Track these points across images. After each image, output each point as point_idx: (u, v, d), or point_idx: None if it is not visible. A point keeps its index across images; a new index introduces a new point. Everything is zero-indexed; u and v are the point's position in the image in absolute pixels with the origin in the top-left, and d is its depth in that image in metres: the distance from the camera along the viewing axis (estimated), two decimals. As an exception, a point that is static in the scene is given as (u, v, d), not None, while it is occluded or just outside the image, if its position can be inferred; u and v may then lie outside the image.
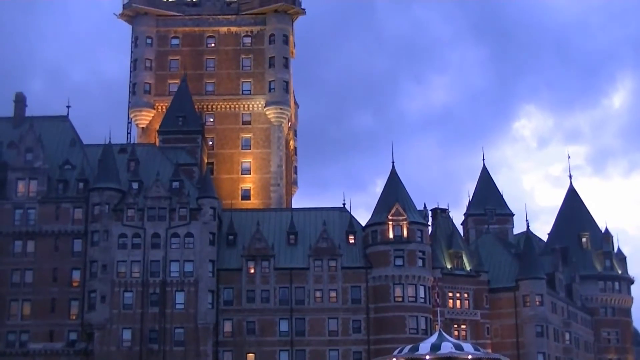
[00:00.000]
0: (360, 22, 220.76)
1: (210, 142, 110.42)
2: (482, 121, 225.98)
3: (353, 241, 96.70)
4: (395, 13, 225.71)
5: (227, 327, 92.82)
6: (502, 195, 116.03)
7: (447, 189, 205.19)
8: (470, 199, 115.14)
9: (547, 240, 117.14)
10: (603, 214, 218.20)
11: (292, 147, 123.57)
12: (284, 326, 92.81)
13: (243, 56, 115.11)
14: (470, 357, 70.85)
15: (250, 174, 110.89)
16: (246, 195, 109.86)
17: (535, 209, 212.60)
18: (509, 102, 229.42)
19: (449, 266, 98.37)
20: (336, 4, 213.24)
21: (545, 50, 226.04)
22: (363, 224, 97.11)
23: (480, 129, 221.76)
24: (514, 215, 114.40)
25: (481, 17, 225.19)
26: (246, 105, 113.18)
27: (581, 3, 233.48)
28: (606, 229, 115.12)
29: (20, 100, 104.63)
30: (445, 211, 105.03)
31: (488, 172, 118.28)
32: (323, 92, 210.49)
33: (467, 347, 72.91)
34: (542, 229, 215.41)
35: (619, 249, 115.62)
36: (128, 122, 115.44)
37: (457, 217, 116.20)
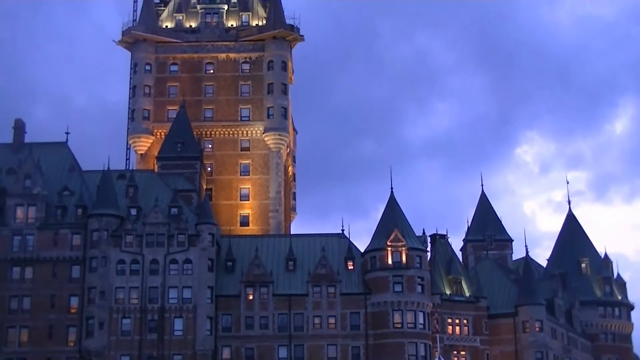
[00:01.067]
0: (363, 48, 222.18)
1: (209, 168, 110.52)
2: (483, 147, 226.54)
3: (352, 267, 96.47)
4: (397, 40, 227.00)
5: (226, 353, 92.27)
6: (501, 221, 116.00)
7: (448, 215, 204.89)
8: (469, 225, 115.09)
9: (547, 265, 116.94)
10: (604, 239, 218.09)
11: (290, 173, 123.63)
12: (282, 353, 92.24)
13: (242, 82, 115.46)
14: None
15: (248, 200, 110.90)
16: (245, 222, 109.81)
17: (536, 235, 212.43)
18: (511, 128, 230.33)
19: (448, 292, 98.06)
20: (339, 31, 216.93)
21: (547, 77, 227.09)
22: (364, 250, 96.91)
23: (481, 155, 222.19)
24: (512, 240, 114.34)
25: (483, 44, 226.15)
26: (245, 132, 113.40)
27: (582, 30, 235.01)
28: (605, 255, 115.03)
29: (19, 127, 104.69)
30: (444, 237, 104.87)
31: (487, 198, 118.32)
32: (325, 118, 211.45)
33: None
34: (544, 255, 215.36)
35: (618, 275, 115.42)
36: (127, 148, 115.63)
37: (457, 242, 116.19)
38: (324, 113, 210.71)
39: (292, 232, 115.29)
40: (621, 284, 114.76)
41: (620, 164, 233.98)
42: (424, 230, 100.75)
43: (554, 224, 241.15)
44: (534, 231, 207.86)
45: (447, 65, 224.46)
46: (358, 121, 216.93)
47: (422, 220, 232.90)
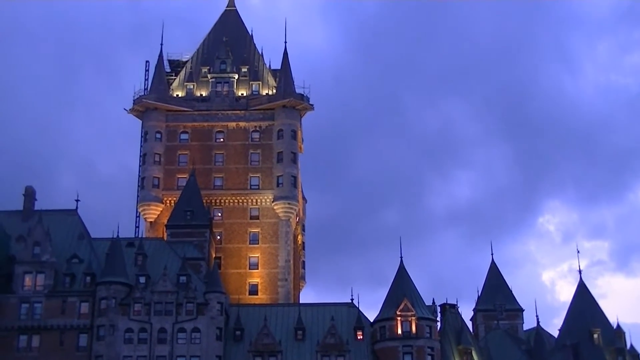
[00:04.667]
0: (387, 118, 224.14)
1: (218, 237, 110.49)
2: (505, 216, 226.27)
3: (361, 337, 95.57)
4: (422, 110, 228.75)
5: None
6: (511, 291, 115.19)
7: (467, 284, 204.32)
8: (479, 294, 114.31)
9: (558, 336, 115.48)
10: (623, 309, 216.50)
11: (300, 242, 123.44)
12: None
13: (251, 151, 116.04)
14: None
15: (257, 268, 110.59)
16: (254, 290, 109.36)
17: (556, 305, 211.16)
18: (534, 197, 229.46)
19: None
20: (365, 101, 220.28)
21: (570, 146, 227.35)
22: (374, 320, 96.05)
23: (503, 224, 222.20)
24: (523, 310, 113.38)
25: (507, 114, 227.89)
26: (254, 200, 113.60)
27: (605, 99, 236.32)
28: (618, 325, 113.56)
29: (29, 194, 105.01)
30: (454, 306, 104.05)
31: (497, 267, 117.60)
32: (348, 187, 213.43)
33: None
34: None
35: (632, 346, 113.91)
36: (136, 216, 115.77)
37: (469, 312, 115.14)
38: (347, 182, 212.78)
39: (301, 301, 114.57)
40: (634, 355, 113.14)
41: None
42: (433, 300, 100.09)
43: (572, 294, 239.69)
44: (553, 301, 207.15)
45: (471, 135, 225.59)
46: (380, 190, 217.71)
47: (440, 289, 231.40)
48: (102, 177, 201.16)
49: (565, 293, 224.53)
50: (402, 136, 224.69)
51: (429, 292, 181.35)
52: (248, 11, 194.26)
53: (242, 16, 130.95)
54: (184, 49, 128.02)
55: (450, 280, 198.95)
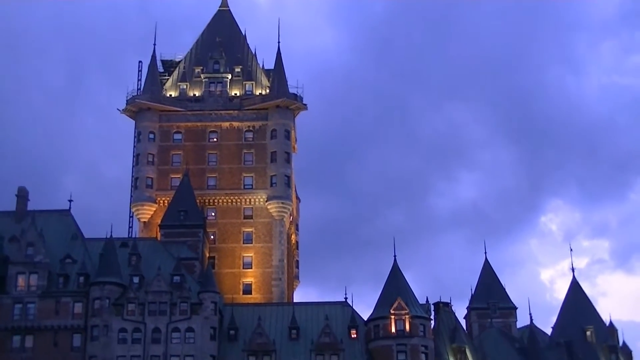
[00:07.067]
0: (393, 120, 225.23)
1: (212, 237, 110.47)
2: (509, 216, 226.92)
3: (355, 336, 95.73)
4: (428, 112, 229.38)
5: None
6: (504, 289, 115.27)
7: (467, 284, 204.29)
8: (473, 293, 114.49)
9: (551, 334, 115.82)
10: (621, 307, 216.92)
11: (294, 242, 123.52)
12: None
13: (245, 151, 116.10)
14: None
15: (251, 268, 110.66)
16: (247, 290, 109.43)
17: (554, 303, 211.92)
18: (537, 196, 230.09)
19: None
20: (372, 102, 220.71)
21: (574, 147, 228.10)
22: (368, 319, 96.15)
23: (506, 224, 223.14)
24: (516, 308, 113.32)
25: (511, 116, 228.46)
26: (248, 200, 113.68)
27: (610, 101, 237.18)
28: (611, 323, 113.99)
29: (22, 195, 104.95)
30: (447, 305, 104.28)
31: (490, 266, 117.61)
32: (352, 188, 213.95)
33: None
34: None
35: (624, 343, 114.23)
36: (130, 217, 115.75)
37: (463, 311, 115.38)
38: (351, 183, 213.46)
39: (295, 301, 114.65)
40: (627, 352, 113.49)
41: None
42: (427, 299, 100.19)
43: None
44: (552, 299, 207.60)
45: (476, 136, 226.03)
46: (383, 191, 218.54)
47: (442, 290, 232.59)
48: (105, 180, 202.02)
49: (564, 291, 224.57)
50: (407, 138, 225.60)
51: (430, 292, 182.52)
52: (244, 11, 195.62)
53: (236, 16, 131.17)
54: (178, 48, 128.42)
55: (451, 281, 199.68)
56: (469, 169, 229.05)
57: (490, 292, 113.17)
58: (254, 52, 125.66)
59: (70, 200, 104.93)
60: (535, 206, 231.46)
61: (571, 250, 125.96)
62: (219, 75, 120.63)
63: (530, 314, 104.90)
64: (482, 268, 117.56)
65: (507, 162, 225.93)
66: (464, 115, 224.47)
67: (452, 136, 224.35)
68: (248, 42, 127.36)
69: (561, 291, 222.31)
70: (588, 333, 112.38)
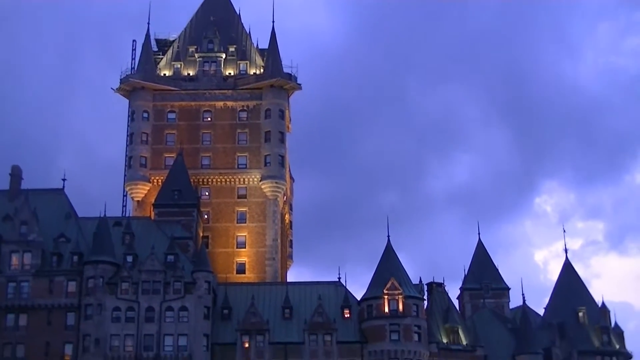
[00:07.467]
0: (389, 101, 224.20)
1: (206, 216, 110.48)
2: (503, 197, 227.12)
3: (348, 315, 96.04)
4: (423, 93, 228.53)
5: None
6: (498, 269, 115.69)
7: (460, 265, 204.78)
8: (466, 273, 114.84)
9: (544, 314, 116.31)
10: (617, 289, 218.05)
11: (287, 221, 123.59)
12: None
13: (239, 131, 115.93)
14: None
15: (245, 247, 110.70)
16: (241, 269, 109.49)
17: (547, 284, 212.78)
18: (532, 178, 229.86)
19: (445, 341, 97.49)
20: (367, 83, 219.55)
21: (569, 128, 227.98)
22: (361, 298, 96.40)
23: (501, 205, 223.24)
24: (509, 289, 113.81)
25: (507, 97, 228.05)
26: (242, 179, 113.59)
27: (605, 83, 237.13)
28: (603, 304, 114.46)
29: (16, 174, 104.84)
30: (440, 285, 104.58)
31: (484, 246, 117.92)
32: (347, 168, 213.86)
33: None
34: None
35: (616, 324, 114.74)
36: (124, 196, 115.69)
37: (456, 291, 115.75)
38: (346, 163, 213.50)
39: (288, 280, 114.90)
40: (619, 333, 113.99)
41: (639, 214, 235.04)
42: (420, 279, 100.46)
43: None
44: (546, 281, 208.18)
45: (471, 118, 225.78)
46: (378, 172, 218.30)
47: (436, 271, 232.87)
48: (99, 159, 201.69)
49: (557, 273, 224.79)
50: (402, 118, 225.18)
51: (423, 273, 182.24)
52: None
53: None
54: (172, 28, 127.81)
55: (445, 262, 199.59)
56: (463, 150, 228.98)
57: (483, 273, 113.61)
58: (248, 32, 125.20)
59: (63, 179, 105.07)
60: (530, 187, 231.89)
61: (564, 231, 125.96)
62: (213, 54, 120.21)
63: (522, 294, 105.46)
64: (476, 249, 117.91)
65: (502, 143, 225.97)
66: (459, 96, 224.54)
67: (447, 117, 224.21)
68: (242, 21, 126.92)
69: (555, 272, 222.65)
70: (580, 314, 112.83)
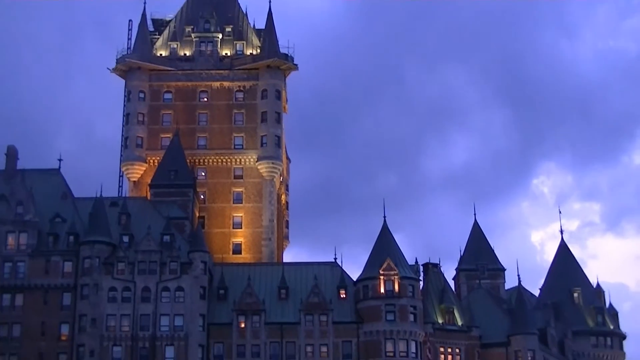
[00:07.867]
0: (387, 83, 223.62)
1: (202, 196, 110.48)
2: (501, 179, 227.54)
3: (344, 296, 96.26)
4: (421, 75, 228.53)
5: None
6: (493, 250, 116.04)
7: (457, 245, 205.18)
8: (462, 254, 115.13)
9: (539, 295, 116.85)
10: (613, 270, 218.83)
11: (283, 202, 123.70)
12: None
13: (235, 111, 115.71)
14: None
15: (241, 228, 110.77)
16: (237, 250, 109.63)
17: (544, 265, 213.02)
18: (529, 159, 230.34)
19: (440, 321, 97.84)
20: (365, 65, 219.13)
21: (567, 110, 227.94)
22: (357, 279, 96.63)
23: (498, 186, 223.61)
24: (505, 270, 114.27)
25: (506, 79, 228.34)
26: (238, 160, 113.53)
27: (604, 65, 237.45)
28: (597, 284, 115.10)
29: (11, 154, 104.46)
30: (436, 266, 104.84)
31: (480, 227, 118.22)
32: (344, 149, 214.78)
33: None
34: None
35: (610, 305, 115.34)
36: (120, 176, 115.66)
37: (452, 272, 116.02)
38: (343, 143, 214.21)
39: (284, 261, 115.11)
40: (613, 314, 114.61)
41: (636, 196, 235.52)
42: (416, 260, 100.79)
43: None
44: (542, 262, 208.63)
45: (469, 99, 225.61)
46: (376, 153, 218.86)
47: (433, 252, 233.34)
48: (95, 139, 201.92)
49: (554, 254, 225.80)
50: (400, 100, 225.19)
51: (420, 254, 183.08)
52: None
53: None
54: (168, 7, 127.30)
55: (442, 243, 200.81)
56: (461, 132, 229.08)
57: (479, 254, 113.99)
58: (245, 12, 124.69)
59: (59, 160, 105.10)
60: (528, 169, 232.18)
61: (560, 212, 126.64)
62: (210, 34, 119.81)
63: (518, 275, 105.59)
64: (472, 230, 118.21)
65: (500, 124, 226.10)
66: (457, 78, 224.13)
67: (445, 99, 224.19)
68: (239, 1, 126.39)
69: (551, 253, 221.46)
70: (575, 295, 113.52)
